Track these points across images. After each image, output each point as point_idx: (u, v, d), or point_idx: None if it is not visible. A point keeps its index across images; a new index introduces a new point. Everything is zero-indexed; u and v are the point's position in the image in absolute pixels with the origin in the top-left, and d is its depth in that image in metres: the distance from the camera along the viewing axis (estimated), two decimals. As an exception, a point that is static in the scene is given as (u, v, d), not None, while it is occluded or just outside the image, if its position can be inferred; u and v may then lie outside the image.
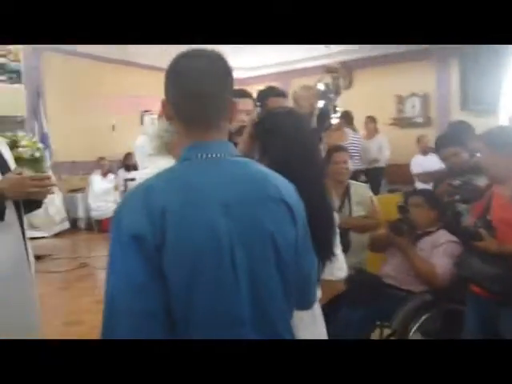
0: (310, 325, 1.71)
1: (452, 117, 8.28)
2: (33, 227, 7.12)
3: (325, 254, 1.70)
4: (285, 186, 1.27)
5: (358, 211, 3.54)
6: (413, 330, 3.02)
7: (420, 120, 8.70)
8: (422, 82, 8.67)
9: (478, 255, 2.57)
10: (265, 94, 2.84)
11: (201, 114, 1.21)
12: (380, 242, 3.45)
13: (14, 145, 5.46)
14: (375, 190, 7.31)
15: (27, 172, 2.02)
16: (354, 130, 7.59)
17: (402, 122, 8.92)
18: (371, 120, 7.93)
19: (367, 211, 3.56)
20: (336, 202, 3.53)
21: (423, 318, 3.03)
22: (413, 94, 8.82)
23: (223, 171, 1.20)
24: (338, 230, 1.83)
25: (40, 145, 5.86)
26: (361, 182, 6.58)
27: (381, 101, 8.83)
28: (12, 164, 2.04)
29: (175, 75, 1.22)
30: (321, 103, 3.74)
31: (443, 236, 3.12)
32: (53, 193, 2.04)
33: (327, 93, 3.62)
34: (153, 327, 1.08)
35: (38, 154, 5.56)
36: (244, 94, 2.82)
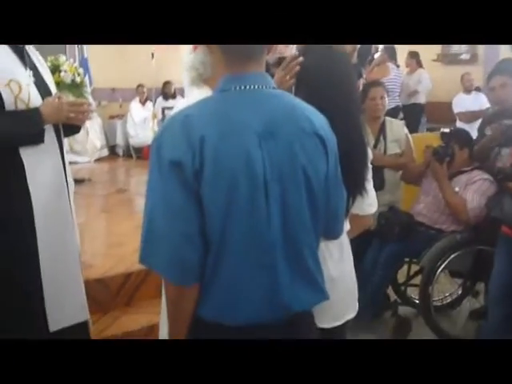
0: (338, 258, 1.77)
1: (500, 55, 7.93)
2: (74, 152, 7.31)
3: (356, 189, 1.73)
4: (319, 120, 1.29)
5: (392, 148, 3.52)
6: (441, 268, 3.08)
7: (466, 57, 8.34)
8: (471, 16, 8.28)
9: (511, 196, 2.56)
10: None
11: (241, 45, 1.22)
12: (414, 172, 3.46)
13: (55, 69, 5.53)
14: (414, 128, 7.19)
15: (67, 97, 2.07)
16: (397, 65, 7.39)
17: (446, 58, 8.58)
18: (413, 55, 7.62)
19: (402, 149, 3.54)
20: (371, 139, 3.52)
21: (452, 256, 3.07)
22: (461, 29, 8.45)
23: (260, 103, 1.22)
24: (370, 166, 1.85)
25: (81, 70, 5.91)
26: (399, 119, 6.50)
27: (426, 35, 8.49)
28: (53, 89, 2.09)
29: None
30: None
31: (478, 174, 3.10)
32: (90, 119, 2.11)
33: None
34: (189, 249, 1.16)
35: (78, 80, 5.63)
36: None
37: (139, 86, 8.49)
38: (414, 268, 3.41)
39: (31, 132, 1.90)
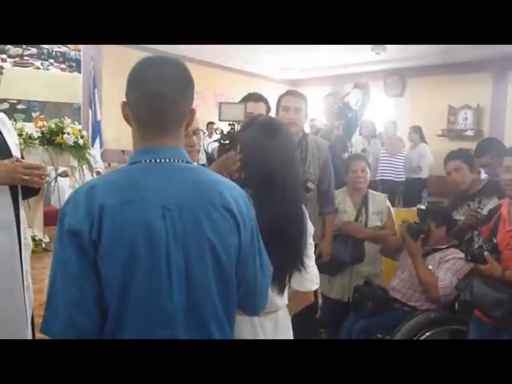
0: (272, 335, 1.74)
1: (505, 132, 8.02)
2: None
3: (293, 265, 1.72)
4: (232, 194, 1.30)
5: (374, 221, 3.54)
6: (414, 347, 3.00)
7: (471, 133, 8.43)
8: (476, 93, 8.42)
9: (481, 279, 2.52)
10: (244, 100, 2.79)
11: (155, 119, 1.26)
12: (391, 246, 3.45)
13: (59, 131, 5.69)
14: (415, 202, 7.19)
15: (34, 159, 2.14)
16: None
17: (452, 133, 8.69)
18: (416, 129, 7.74)
19: (384, 222, 3.55)
20: (353, 211, 3.55)
21: (426, 335, 3.00)
22: (466, 106, 8.58)
23: (169, 175, 1.25)
24: (312, 242, 1.85)
25: (84, 133, 6.06)
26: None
27: (432, 111, 8.64)
28: (15, 151, 2.16)
29: (135, 78, 1.28)
30: (346, 115, 3.81)
31: (452, 253, 3.08)
32: (47, 182, 2.16)
33: (346, 111, 3.69)
34: (83, 317, 1.17)
35: (81, 142, 5.78)
36: (258, 98, 2.87)
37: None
38: (388, 345, 3.33)
39: None
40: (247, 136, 1.73)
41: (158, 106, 1.25)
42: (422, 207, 3.20)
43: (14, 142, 2.18)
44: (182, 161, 1.29)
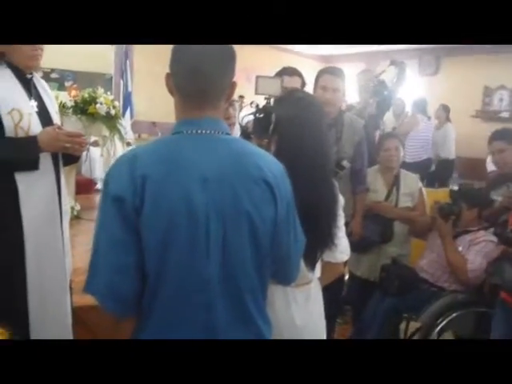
0: (304, 305, 1.77)
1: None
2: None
3: (324, 243, 1.74)
4: (270, 167, 1.32)
5: (404, 202, 3.51)
6: (439, 327, 3.00)
7: (506, 115, 8.24)
8: (513, 74, 8.22)
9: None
10: (279, 74, 2.76)
11: (197, 91, 1.28)
12: (421, 227, 3.43)
13: (92, 101, 5.73)
14: (444, 183, 7.12)
15: (67, 127, 2.18)
16: (428, 117, 7.39)
17: (486, 114, 8.51)
18: (443, 108, 7.57)
19: (414, 203, 3.53)
20: (384, 190, 3.53)
21: (452, 316, 3.00)
22: (502, 87, 8.38)
23: (208, 147, 1.27)
24: (342, 214, 1.86)
25: (116, 103, 6.10)
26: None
27: (466, 91, 8.47)
28: (56, 118, 2.20)
29: (179, 50, 1.30)
30: (382, 93, 3.76)
31: (483, 235, 3.05)
32: (87, 150, 2.20)
33: (382, 89, 3.64)
34: (124, 281, 1.21)
35: (113, 112, 5.82)
36: (293, 73, 2.86)
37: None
38: (413, 324, 3.33)
39: (27, 158, 1.98)
40: (282, 110, 1.74)
41: (200, 78, 1.27)
42: (455, 188, 3.18)
43: (54, 110, 2.21)
44: (222, 133, 1.31)
